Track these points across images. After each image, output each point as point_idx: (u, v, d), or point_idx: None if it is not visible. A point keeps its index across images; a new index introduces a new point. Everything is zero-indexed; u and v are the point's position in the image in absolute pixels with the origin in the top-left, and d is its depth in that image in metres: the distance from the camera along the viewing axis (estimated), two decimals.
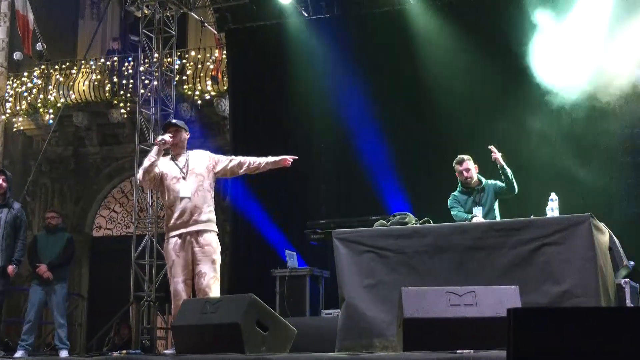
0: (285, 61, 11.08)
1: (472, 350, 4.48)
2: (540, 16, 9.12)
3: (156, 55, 12.03)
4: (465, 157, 7.38)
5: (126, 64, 14.73)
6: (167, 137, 6.32)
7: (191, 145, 14.61)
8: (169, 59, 12.65)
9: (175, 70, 12.72)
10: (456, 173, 7.38)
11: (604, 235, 6.25)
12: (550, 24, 9.11)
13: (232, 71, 12.17)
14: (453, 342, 4.64)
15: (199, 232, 6.16)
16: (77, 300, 14.31)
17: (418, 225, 6.62)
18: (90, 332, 13.80)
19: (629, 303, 6.35)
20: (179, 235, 6.20)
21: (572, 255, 5.78)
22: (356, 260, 6.20)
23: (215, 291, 6.12)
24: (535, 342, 2.59)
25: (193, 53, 14.29)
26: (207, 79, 13.99)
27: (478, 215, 6.97)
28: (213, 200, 6.35)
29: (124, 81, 14.65)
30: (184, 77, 14.02)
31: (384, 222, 6.79)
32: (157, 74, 11.95)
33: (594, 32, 8.84)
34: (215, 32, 13.05)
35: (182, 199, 6.19)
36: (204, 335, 5.53)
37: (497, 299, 4.82)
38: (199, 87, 13.95)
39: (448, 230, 6.28)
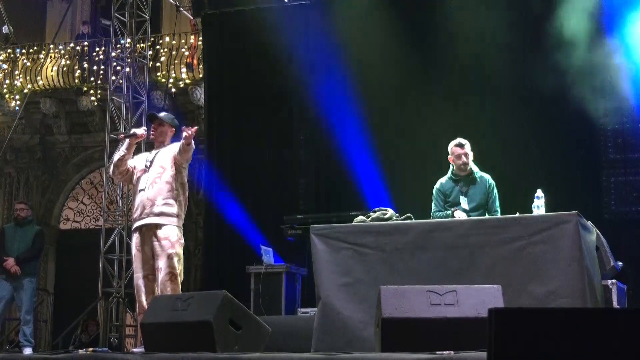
0: (263, 48, 10.87)
1: (452, 352, 4.36)
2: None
3: (128, 40, 11.78)
4: (465, 141, 6.92)
5: (97, 49, 14.47)
6: (140, 130, 6.22)
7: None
8: (141, 45, 12.39)
9: (149, 57, 12.47)
10: (451, 157, 6.93)
11: (592, 235, 6.21)
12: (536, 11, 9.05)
13: (208, 58, 11.98)
14: (433, 342, 4.53)
15: (157, 226, 5.98)
16: (43, 296, 14.06)
17: (399, 221, 6.53)
18: (56, 329, 13.53)
19: (615, 304, 6.31)
20: (139, 229, 6.06)
21: (558, 255, 5.80)
22: (334, 258, 6.10)
23: (171, 289, 5.93)
24: (516, 344, 2.57)
25: (167, 39, 14.04)
26: (182, 66, 13.77)
27: (459, 210, 6.73)
28: (178, 192, 6.10)
29: (95, 67, 14.40)
30: (158, 64, 13.81)
31: (364, 217, 6.68)
32: (129, 60, 11.73)
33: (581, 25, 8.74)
34: (191, 17, 12.90)
35: (138, 191, 6.08)
36: (174, 334, 5.41)
37: (479, 299, 4.76)
38: (173, 75, 13.74)
39: (430, 227, 6.20)
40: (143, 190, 6.04)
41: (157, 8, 13.84)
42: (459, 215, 6.60)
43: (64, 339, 11.14)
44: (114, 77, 11.95)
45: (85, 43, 14.75)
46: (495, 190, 6.87)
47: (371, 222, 6.47)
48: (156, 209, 5.97)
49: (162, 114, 6.37)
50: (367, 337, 5.57)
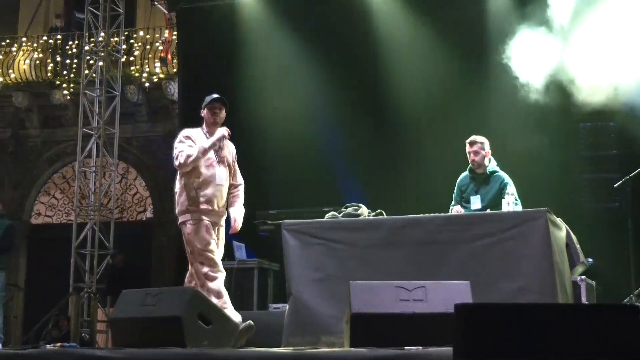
0: (238, 43, 10.81)
1: (420, 347, 4.37)
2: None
3: (102, 34, 11.69)
4: (480, 139, 6.99)
5: (70, 42, 14.27)
6: (226, 132, 6.05)
7: (138, 130, 14.35)
8: (115, 39, 12.29)
9: (122, 51, 12.36)
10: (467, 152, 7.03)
11: (561, 231, 6.25)
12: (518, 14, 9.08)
13: (182, 53, 11.91)
14: (402, 338, 4.55)
15: (221, 224, 6.01)
16: (14, 291, 13.87)
17: (371, 217, 6.57)
18: (27, 325, 13.35)
19: (584, 300, 6.33)
20: (213, 223, 5.95)
21: (528, 251, 5.86)
22: (305, 253, 6.13)
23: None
24: (482, 339, 2.60)
25: (142, 33, 13.92)
26: (156, 60, 13.64)
27: (458, 206, 6.72)
28: None
29: (68, 61, 14.21)
30: (132, 58, 13.66)
31: (336, 213, 6.74)
32: (102, 54, 11.66)
33: (560, 23, 8.77)
34: (166, 12, 12.76)
35: (216, 185, 5.92)
36: (144, 329, 5.40)
37: (448, 295, 4.79)
38: (147, 69, 13.60)
39: (402, 223, 6.26)
40: (222, 185, 5.98)
41: (131, 2, 13.70)
42: (458, 211, 6.60)
43: (34, 334, 11.06)
44: (87, 71, 11.88)
45: (59, 36, 14.58)
46: (509, 186, 6.75)
47: (343, 218, 6.49)
48: (225, 210, 6.03)
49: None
50: (338, 332, 5.55)
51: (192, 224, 5.91)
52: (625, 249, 7.42)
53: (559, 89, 9.04)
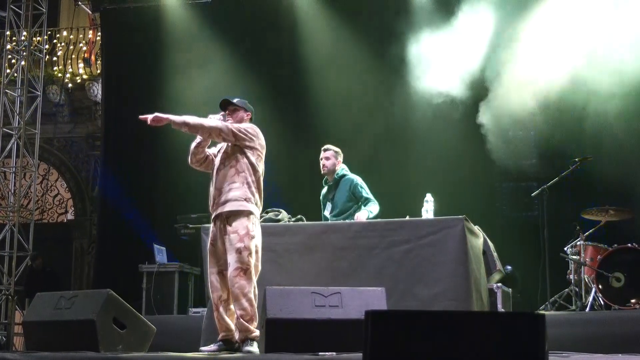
0: (163, 46, 10.78)
1: (334, 353, 4.43)
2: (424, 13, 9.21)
3: (24, 33, 11.45)
4: (332, 147, 6.98)
5: None
6: (216, 116, 5.66)
7: (59, 131, 13.99)
8: (38, 38, 12.05)
9: (45, 51, 12.13)
10: None
11: (478, 239, 6.33)
12: (432, 20, 9.19)
13: (106, 54, 11.83)
14: (316, 343, 4.60)
15: (226, 217, 5.34)
16: None
17: (290, 222, 6.56)
18: None
19: (500, 308, 6.42)
20: (213, 222, 5.45)
21: (444, 258, 5.92)
22: None
23: (240, 285, 5.17)
24: (391, 345, 2.60)
25: (65, 33, 13.66)
26: (79, 61, 13.42)
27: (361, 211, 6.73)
28: (245, 174, 5.38)
29: None
30: (54, 58, 13.40)
31: None
32: (25, 53, 11.38)
33: (476, 33, 8.92)
34: (90, 12, 12.59)
35: (210, 181, 5.53)
36: (57, 332, 5.36)
37: (363, 301, 4.84)
38: (70, 70, 13.36)
39: (321, 228, 6.35)
40: (213, 180, 5.47)
41: (54, 1, 13.45)
42: (357, 217, 6.61)
43: None
44: (8, 70, 11.63)
45: None
46: (360, 185, 6.77)
47: (263, 223, 6.45)
48: (223, 197, 5.33)
49: (236, 100, 5.74)
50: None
51: None
52: (542, 258, 7.55)
53: (480, 97, 9.20)
